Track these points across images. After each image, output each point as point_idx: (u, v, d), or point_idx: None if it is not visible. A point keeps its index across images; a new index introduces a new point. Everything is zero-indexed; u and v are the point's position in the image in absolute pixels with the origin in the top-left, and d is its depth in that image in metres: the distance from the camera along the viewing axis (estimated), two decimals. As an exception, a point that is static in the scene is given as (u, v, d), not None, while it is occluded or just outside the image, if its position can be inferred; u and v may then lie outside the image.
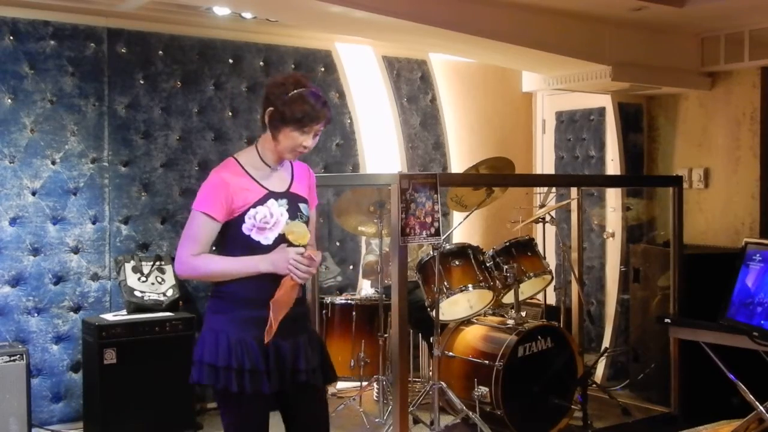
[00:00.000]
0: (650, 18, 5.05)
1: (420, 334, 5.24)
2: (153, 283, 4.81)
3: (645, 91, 5.91)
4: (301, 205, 2.78)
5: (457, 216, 5.84)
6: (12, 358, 4.23)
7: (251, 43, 5.35)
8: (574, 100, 6.32)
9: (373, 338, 4.90)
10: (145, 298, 4.73)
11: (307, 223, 2.78)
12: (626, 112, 6.11)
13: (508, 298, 4.97)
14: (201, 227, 2.66)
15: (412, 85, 6.05)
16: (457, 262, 4.69)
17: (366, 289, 5.61)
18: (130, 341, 4.49)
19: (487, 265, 4.80)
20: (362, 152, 5.80)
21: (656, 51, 5.47)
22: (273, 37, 5.42)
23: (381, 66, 5.88)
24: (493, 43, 4.81)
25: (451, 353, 4.73)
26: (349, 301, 5.03)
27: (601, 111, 6.17)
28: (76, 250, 4.77)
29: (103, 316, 4.68)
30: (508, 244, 4.95)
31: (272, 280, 2.65)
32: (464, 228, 5.78)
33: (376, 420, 4.83)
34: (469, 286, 4.67)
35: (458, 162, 6.21)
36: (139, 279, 4.78)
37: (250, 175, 2.70)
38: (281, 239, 2.69)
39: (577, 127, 6.41)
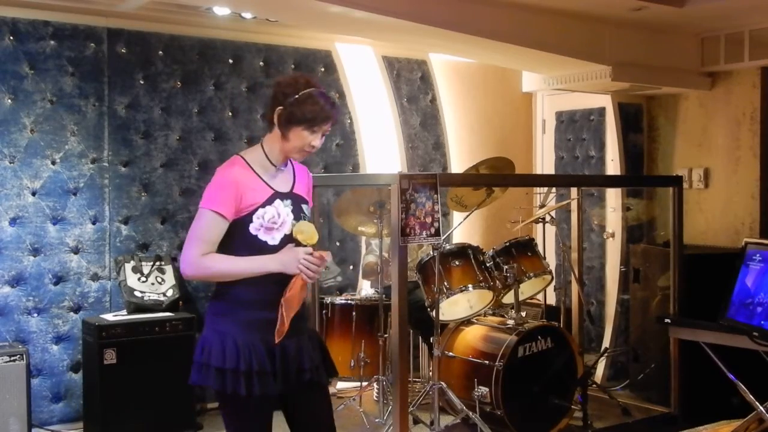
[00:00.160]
0: (650, 18, 5.05)
1: (420, 334, 5.24)
2: (153, 284, 4.81)
3: (645, 91, 5.91)
4: (304, 206, 2.80)
5: (457, 216, 5.84)
6: (12, 358, 4.23)
7: (251, 43, 5.35)
8: (574, 100, 6.32)
9: (373, 338, 4.90)
10: (145, 298, 4.73)
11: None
12: (626, 112, 6.11)
13: (508, 298, 4.97)
14: (210, 226, 2.63)
15: (412, 85, 6.05)
16: (457, 262, 4.69)
17: (366, 289, 5.61)
18: (130, 341, 4.49)
19: (487, 265, 4.80)
20: (362, 152, 5.80)
21: (656, 51, 5.47)
22: (273, 37, 5.42)
23: (381, 66, 5.88)
24: (493, 43, 4.81)
25: (451, 353, 4.73)
26: (349, 302, 5.03)
27: (601, 111, 6.17)
28: (76, 250, 4.77)
29: (103, 316, 4.68)
30: (508, 244, 4.95)
31: (276, 281, 2.64)
32: (464, 228, 5.78)
33: (376, 420, 4.83)
34: (469, 286, 4.67)
35: (458, 162, 6.21)
36: (139, 279, 4.78)
37: (258, 175, 2.70)
38: (287, 239, 2.69)
39: (577, 127, 6.41)
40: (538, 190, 6.15)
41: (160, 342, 4.56)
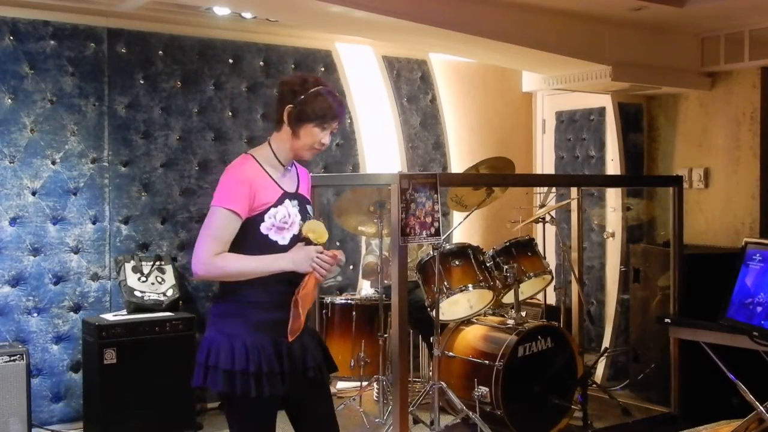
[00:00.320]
0: (650, 18, 5.05)
1: (420, 334, 5.24)
2: (153, 283, 4.81)
3: (645, 91, 5.91)
4: (308, 207, 2.82)
5: (457, 216, 5.84)
6: (12, 358, 4.23)
7: (251, 43, 5.35)
8: (574, 100, 6.32)
9: (373, 338, 4.90)
10: (145, 298, 4.73)
11: None
12: (626, 112, 6.11)
13: (508, 298, 4.97)
14: (224, 224, 2.62)
15: (412, 85, 6.05)
16: (457, 262, 4.69)
17: (366, 289, 5.61)
18: (130, 341, 4.48)
19: (487, 265, 4.81)
20: (362, 152, 5.80)
21: (656, 51, 5.47)
22: (273, 37, 5.42)
23: (381, 66, 5.88)
24: (493, 43, 4.81)
25: (451, 353, 4.73)
26: (349, 301, 5.03)
27: (601, 111, 6.17)
28: (76, 250, 4.77)
29: (103, 316, 4.68)
30: (508, 244, 4.95)
31: (282, 282, 2.65)
32: (464, 228, 5.78)
33: (376, 420, 4.83)
34: (469, 286, 4.67)
35: (458, 162, 6.21)
36: (139, 279, 4.78)
37: (269, 175, 2.71)
38: (296, 239, 2.70)
39: (577, 127, 6.41)
40: (538, 190, 6.15)
41: (160, 342, 4.56)
